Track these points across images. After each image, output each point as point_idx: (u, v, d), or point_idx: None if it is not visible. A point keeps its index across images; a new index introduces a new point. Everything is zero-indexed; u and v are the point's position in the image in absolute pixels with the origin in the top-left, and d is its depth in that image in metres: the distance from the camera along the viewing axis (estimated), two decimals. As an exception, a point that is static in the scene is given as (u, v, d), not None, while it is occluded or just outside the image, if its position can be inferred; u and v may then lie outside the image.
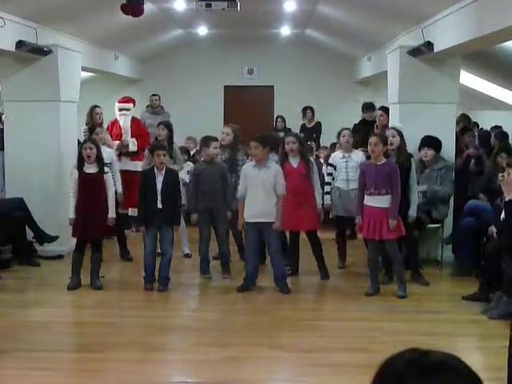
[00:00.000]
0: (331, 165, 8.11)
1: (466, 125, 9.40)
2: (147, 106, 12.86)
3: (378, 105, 9.96)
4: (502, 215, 6.46)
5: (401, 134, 7.46)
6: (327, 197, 7.93)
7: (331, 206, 7.98)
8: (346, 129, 8.11)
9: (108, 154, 8.42)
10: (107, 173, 7.18)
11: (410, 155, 7.57)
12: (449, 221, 8.20)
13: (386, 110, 9.10)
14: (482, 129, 11.72)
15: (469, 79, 11.08)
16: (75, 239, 7.29)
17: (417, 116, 8.22)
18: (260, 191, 6.97)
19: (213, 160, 7.68)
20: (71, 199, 7.09)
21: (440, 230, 8.19)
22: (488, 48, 8.42)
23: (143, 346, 5.49)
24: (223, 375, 4.89)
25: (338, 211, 8.01)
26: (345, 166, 7.91)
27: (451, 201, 8.16)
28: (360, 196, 6.98)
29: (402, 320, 6.22)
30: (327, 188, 7.98)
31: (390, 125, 7.65)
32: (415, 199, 7.32)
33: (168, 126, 8.58)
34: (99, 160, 7.10)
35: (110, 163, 8.31)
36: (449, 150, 8.26)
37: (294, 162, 7.47)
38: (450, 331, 5.84)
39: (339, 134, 8.09)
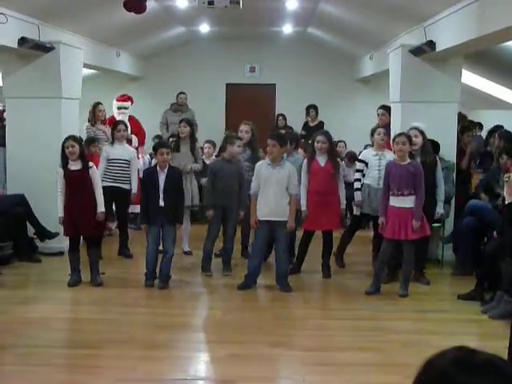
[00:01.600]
0: (362, 161, 7.99)
1: (464, 124, 9.38)
2: (172, 104, 12.87)
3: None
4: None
5: (423, 134, 7.45)
6: (357, 193, 7.83)
7: (362, 202, 7.83)
8: (380, 127, 8.06)
9: (128, 152, 8.47)
10: (91, 167, 7.10)
11: (435, 155, 7.55)
12: (450, 220, 8.20)
13: (387, 108, 9.08)
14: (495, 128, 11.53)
15: (470, 78, 11.07)
16: (68, 239, 7.28)
17: (418, 115, 8.20)
18: (273, 190, 6.95)
19: (232, 158, 7.66)
20: (59, 198, 7.06)
21: (441, 230, 8.19)
22: (490, 47, 8.41)
23: (143, 343, 5.50)
24: (224, 373, 4.90)
25: (364, 209, 7.88)
26: (377, 164, 7.73)
27: (452, 201, 8.16)
28: (384, 196, 6.93)
29: (402, 319, 6.22)
30: (357, 184, 7.86)
31: (412, 124, 7.58)
32: (442, 198, 7.37)
33: (190, 123, 8.54)
34: (83, 156, 7.04)
35: (129, 161, 8.34)
36: (450, 149, 8.25)
37: (322, 160, 7.44)
38: (450, 330, 5.84)
39: (373, 131, 7.99)
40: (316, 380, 4.85)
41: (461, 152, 8.66)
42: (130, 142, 9.48)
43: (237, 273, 7.59)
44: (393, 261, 7.27)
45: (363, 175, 7.87)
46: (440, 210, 7.44)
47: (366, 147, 10.45)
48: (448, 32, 7.40)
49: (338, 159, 7.95)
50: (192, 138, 8.44)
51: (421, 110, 8.26)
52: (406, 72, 8.43)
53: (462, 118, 9.77)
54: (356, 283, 7.43)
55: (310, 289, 7.48)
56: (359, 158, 8.24)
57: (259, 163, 7.21)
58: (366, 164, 7.87)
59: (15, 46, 7.71)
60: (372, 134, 7.99)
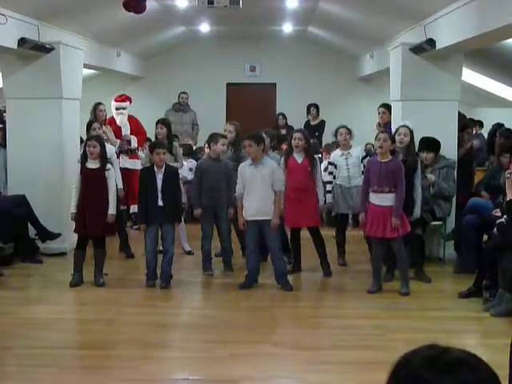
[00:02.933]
0: (332, 163, 8.12)
1: (462, 122, 9.35)
2: (173, 104, 12.90)
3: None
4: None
5: (412, 133, 7.46)
6: (329, 195, 7.93)
7: (333, 204, 7.99)
8: (342, 126, 8.11)
9: (108, 149, 8.43)
10: (109, 170, 7.18)
11: (417, 155, 7.55)
12: (451, 218, 8.19)
13: (387, 107, 9.08)
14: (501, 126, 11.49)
15: (471, 76, 11.07)
16: (76, 235, 7.31)
17: (419, 113, 8.20)
18: (258, 189, 6.99)
19: (218, 157, 7.68)
20: (73, 194, 7.12)
21: (442, 228, 8.19)
22: (490, 45, 8.41)
23: (145, 343, 5.49)
24: (225, 372, 4.89)
25: (340, 208, 8.03)
26: (345, 163, 7.93)
27: (453, 198, 8.16)
28: (364, 192, 6.98)
29: (404, 317, 6.22)
30: (328, 187, 7.98)
31: (402, 122, 7.60)
32: (418, 202, 7.31)
33: (166, 124, 8.56)
34: (102, 157, 7.12)
35: (109, 158, 8.32)
36: (450, 147, 8.24)
37: (299, 157, 7.48)
38: (452, 328, 5.84)
39: (336, 131, 8.10)
40: (318, 379, 4.84)
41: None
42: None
43: (238, 272, 7.59)
44: (389, 260, 7.27)
45: (334, 177, 8.00)
46: (417, 213, 7.19)
47: (366, 146, 10.47)
48: (448, 30, 7.40)
49: (316, 156, 8.05)
50: (169, 138, 8.44)
51: (421, 108, 8.26)
52: (407, 70, 8.42)
53: (461, 117, 9.75)
54: (357, 282, 7.43)
55: (311, 287, 7.48)
56: (329, 160, 8.40)
57: (242, 165, 7.24)
58: (335, 166, 7.98)
59: (15, 46, 7.72)
60: (335, 135, 8.07)
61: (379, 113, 9.22)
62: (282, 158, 7.67)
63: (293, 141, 7.51)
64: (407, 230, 6.87)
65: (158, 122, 8.64)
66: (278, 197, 7.07)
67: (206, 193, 7.58)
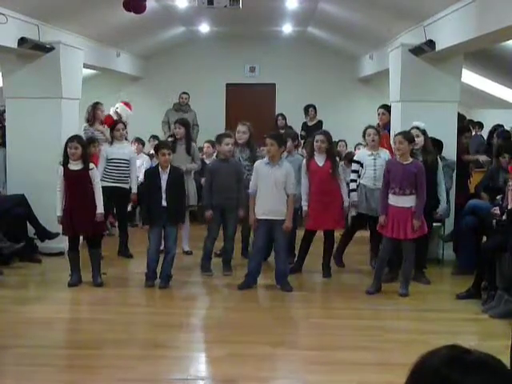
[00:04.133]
0: (357, 162, 7.97)
1: (461, 125, 9.35)
2: (174, 104, 12.92)
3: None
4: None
5: (425, 133, 7.45)
6: (353, 194, 7.79)
7: (358, 202, 7.82)
8: (371, 127, 7.96)
9: (128, 151, 8.48)
10: (92, 169, 7.10)
11: (436, 154, 7.56)
12: (450, 220, 8.20)
13: (387, 108, 9.08)
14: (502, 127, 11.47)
15: (471, 78, 11.08)
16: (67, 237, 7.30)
17: (418, 114, 8.19)
18: (271, 189, 6.96)
19: (228, 158, 7.66)
20: (58, 197, 7.06)
21: (441, 229, 8.19)
22: (490, 46, 8.41)
23: (144, 343, 5.50)
24: (224, 372, 4.90)
25: (361, 209, 7.87)
26: (373, 164, 7.74)
27: (452, 200, 8.16)
28: (384, 194, 6.92)
29: (403, 318, 6.23)
30: (353, 185, 7.84)
31: (413, 124, 7.58)
32: (444, 197, 7.37)
33: (185, 124, 8.52)
34: (85, 157, 7.04)
35: (128, 160, 8.35)
36: (450, 148, 8.24)
37: (320, 160, 7.45)
38: (451, 330, 5.84)
39: (364, 132, 7.97)
40: (316, 379, 4.85)
41: (462, 153, 8.64)
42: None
43: (237, 272, 7.59)
44: (393, 261, 7.27)
45: (359, 176, 7.86)
46: (441, 210, 7.42)
47: (357, 146, 10.45)
48: (448, 31, 7.40)
49: (337, 159, 7.94)
50: (187, 138, 8.44)
51: (421, 109, 8.25)
52: (406, 71, 8.43)
53: (460, 118, 9.74)
54: (356, 282, 7.44)
55: (311, 288, 7.48)
56: (354, 158, 8.23)
57: (257, 162, 7.21)
58: (362, 164, 7.86)
59: (15, 46, 7.72)
60: (363, 136, 8.01)
61: (379, 114, 9.21)
62: (304, 160, 7.60)
63: (315, 143, 7.46)
64: (425, 231, 6.88)
65: (176, 122, 8.62)
66: (291, 200, 7.04)
67: (216, 194, 7.55)
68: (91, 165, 7.13)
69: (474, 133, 11.56)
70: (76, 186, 6.98)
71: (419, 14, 8.21)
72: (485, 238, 7.46)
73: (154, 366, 4.98)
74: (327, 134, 7.65)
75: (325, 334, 5.84)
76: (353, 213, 8.06)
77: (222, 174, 7.55)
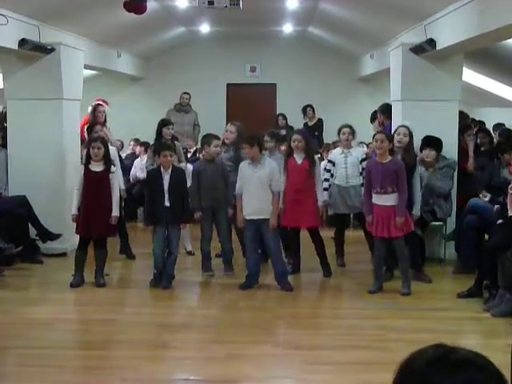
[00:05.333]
0: (330, 161, 8.10)
1: (464, 124, 9.33)
2: (175, 104, 12.92)
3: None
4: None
5: (411, 134, 7.47)
6: (325, 193, 7.88)
7: (329, 203, 7.96)
8: (345, 126, 8.09)
9: (111, 151, 8.43)
10: (113, 172, 7.19)
11: (415, 155, 7.57)
12: (451, 219, 8.19)
13: (384, 110, 9.09)
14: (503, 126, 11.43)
15: (471, 76, 11.07)
16: (78, 236, 7.32)
17: (419, 113, 8.21)
18: (256, 188, 7.03)
19: (213, 158, 7.69)
20: (75, 195, 7.10)
21: (443, 228, 8.19)
22: (491, 45, 8.41)
23: (146, 344, 5.50)
24: (226, 372, 4.90)
25: (338, 208, 8.00)
26: (344, 162, 7.87)
27: (454, 199, 8.15)
28: (367, 194, 6.96)
29: (404, 317, 6.22)
30: (325, 184, 7.92)
31: (402, 122, 7.61)
32: (419, 198, 7.34)
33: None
34: (106, 159, 7.11)
35: (112, 160, 8.32)
36: (451, 147, 8.24)
37: (299, 158, 7.49)
38: (452, 329, 5.84)
39: (339, 130, 8.09)
40: (317, 379, 4.85)
41: (462, 151, 8.61)
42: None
43: (238, 272, 7.60)
44: (389, 260, 7.27)
45: (331, 175, 7.96)
46: (416, 212, 7.28)
47: (359, 144, 10.45)
48: (448, 30, 7.40)
49: (316, 157, 8.07)
50: (172, 138, 8.60)
51: (422, 108, 8.26)
52: (407, 70, 8.43)
53: (464, 117, 9.72)
54: (357, 282, 7.43)
55: (311, 288, 7.48)
56: (328, 158, 8.40)
57: (242, 163, 7.29)
58: (334, 164, 7.97)
59: (16, 47, 7.72)
60: (338, 134, 8.07)
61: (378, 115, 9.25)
62: (283, 159, 7.69)
63: (292, 142, 7.53)
64: (411, 228, 6.89)
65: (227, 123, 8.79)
66: (277, 197, 7.10)
67: (204, 194, 7.58)
68: (113, 168, 7.18)
69: (474, 132, 11.52)
70: (95, 186, 7.02)
71: (420, 13, 8.21)
72: (486, 237, 7.46)
73: (156, 367, 4.99)
74: (304, 133, 7.88)
75: (326, 333, 5.84)
76: (330, 212, 8.18)
77: (208, 175, 7.58)
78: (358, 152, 8.08)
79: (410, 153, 7.43)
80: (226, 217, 7.65)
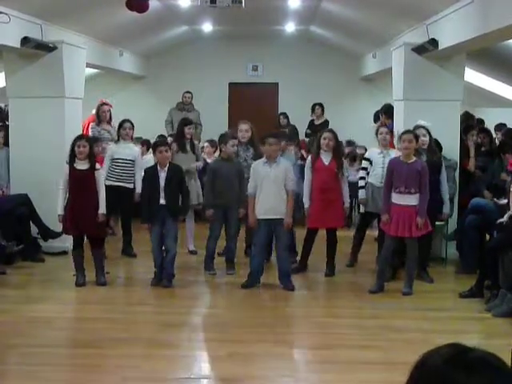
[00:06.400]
0: (367, 159, 8.00)
1: (469, 123, 9.31)
2: (178, 103, 12.94)
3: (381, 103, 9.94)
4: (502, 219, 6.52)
5: (430, 133, 7.46)
6: (361, 191, 7.84)
7: (366, 200, 7.87)
8: (383, 126, 8.06)
9: (133, 151, 8.49)
10: (98, 169, 7.14)
11: (440, 153, 7.58)
12: (453, 219, 8.19)
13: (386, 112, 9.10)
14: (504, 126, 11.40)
15: (473, 76, 11.05)
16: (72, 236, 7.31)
17: (421, 113, 8.19)
18: (271, 188, 6.97)
19: (229, 157, 7.67)
20: (60, 195, 7.07)
21: (445, 228, 8.18)
22: (493, 45, 8.40)
23: (147, 342, 5.50)
24: (227, 371, 4.90)
25: (368, 207, 7.90)
26: (382, 162, 7.72)
27: (456, 199, 8.15)
28: (387, 193, 6.92)
29: (406, 317, 6.22)
30: (361, 182, 7.87)
31: (418, 123, 7.59)
32: (447, 198, 7.40)
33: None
34: (91, 157, 7.07)
35: (133, 161, 8.36)
36: (453, 147, 8.24)
37: (326, 158, 7.45)
38: (454, 329, 5.84)
39: (377, 131, 8.00)
40: (319, 378, 4.85)
41: (465, 152, 8.61)
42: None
43: (240, 271, 7.60)
44: (395, 259, 7.26)
45: (367, 173, 7.88)
46: (446, 210, 7.46)
47: (348, 143, 10.43)
48: (451, 30, 7.40)
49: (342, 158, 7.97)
50: (191, 138, 8.66)
51: (424, 108, 8.25)
52: (409, 70, 8.42)
53: (468, 116, 9.70)
54: (359, 281, 7.44)
55: (314, 287, 7.49)
56: (365, 156, 8.28)
57: (255, 163, 7.24)
58: (371, 162, 7.87)
59: (18, 45, 7.73)
60: (376, 134, 8.01)
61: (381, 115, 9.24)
62: (309, 158, 7.62)
63: (322, 140, 7.46)
64: (429, 229, 6.89)
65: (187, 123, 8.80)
66: (291, 197, 7.04)
67: (218, 193, 7.56)
68: (97, 165, 7.16)
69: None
70: (81, 185, 6.98)
71: (422, 13, 8.20)
72: (488, 237, 7.46)
73: (158, 365, 4.99)
74: (334, 133, 7.67)
75: (328, 332, 5.84)
76: (361, 210, 8.08)
77: (223, 174, 7.55)
78: (396, 154, 7.91)
79: (434, 152, 7.44)
80: (237, 216, 7.63)
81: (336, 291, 7.32)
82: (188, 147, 8.46)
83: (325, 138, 7.44)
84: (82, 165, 7.01)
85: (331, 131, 7.73)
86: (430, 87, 8.33)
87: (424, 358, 1.35)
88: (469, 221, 7.62)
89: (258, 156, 7.83)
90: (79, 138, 7.15)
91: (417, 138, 6.96)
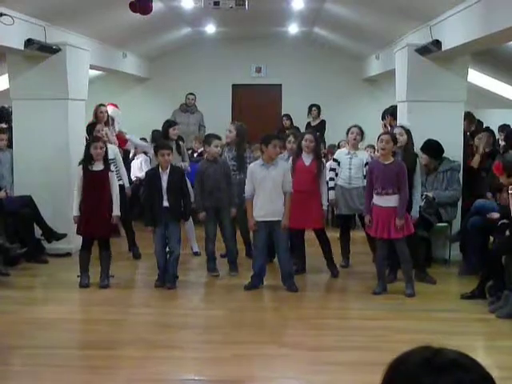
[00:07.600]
0: (335, 160, 8.08)
1: (472, 125, 9.28)
2: (181, 105, 12.97)
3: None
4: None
5: (409, 133, 7.46)
6: (331, 192, 7.86)
7: (336, 201, 7.95)
8: (355, 126, 8.09)
9: (111, 149, 8.44)
10: (112, 171, 7.20)
11: (416, 155, 7.56)
12: (457, 221, 8.18)
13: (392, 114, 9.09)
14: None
15: (477, 77, 11.06)
16: (81, 237, 7.32)
17: (424, 114, 8.20)
18: (269, 190, 6.96)
19: (216, 158, 7.69)
20: (75, 197, 7.10)
21: (448, 229, 8.17)
22: (496, 46, 8.40)
23: (151, 344, 5.50)
24: (230, 373, 4.90)
25: (342, 210, 8.00)
26: (348, 163, 7.85)
27: (459, 201, 8.14)
28: (368, 194, 6.97)
29: (409, 318, 6.21)
30: (331, 183, 7.90)
31: (398, 123, 7.64)
32: (418, 199, 7.31)
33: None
34: (105, 159, 7.13)
35: (114, 159, 8.34)
36: (456, 149, 8.22)
37: (307, 159, 7.47)
38: (457, 330, 5.82)
39: (348, 130, 8.08)
40: (322, 380, 4.85)
41: (468, 150, 8.61)
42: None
43: (243, 273, 7.60)
44: (390, 260, 7.25)
45: (336, 174, 7.94)
46: (415, 214, 7.14)
47: (368, 147, 10.46)
48: (454, 31, 7.39)
49: (323, 159, 8.05)
50: (178, 139, 8.74)
51: (427, 109, 8.25)
52: (413, 71, 8.42)
53: (469, 117, 9.69)
54: (361, 283, 7.43)
55: (316, 289, 7.48)
56: (333, 157, 8.36)
57: (252, 165, 7.21)
58: (339, 163, 7.95)
59: (22, 47, 7.75)
60: (347, 133, 8.06)
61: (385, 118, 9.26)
62: (290, 159, 7.65)
63: (303, 142, 7.49)
64: (411, 230, 6.87)
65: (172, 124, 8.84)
66: (288, 198, 7.05)
67: (208, 194, 7.58)
68: (112, 166, 7.18)
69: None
70: (96, 186, 7.02)
71: (425, 14, 8.20)
72: (491, 239, 7.45)
73: (161, 367, 4.99)
74: (315, 134, 7.83)
75: (330, 334, 5.83)
76: (336, 211, 8.23)
77: (210, 175, 7.58)
78: (364, 155, 8.06)
79: (410, 153, 7.41)
80: (230, 216, 7.66)
81: (339, 292, 7.32)
82: (174, 147, 8.45)
83: (306, 140, 7.49)
84: (96, 166, 7.05)
85: (311, 133, 7.87)
86: (433, 88, 8.32)
87: (396, 362, 1.36)
88: (472, 222, 7.62)
89: (238, 158, 7.88)
90: (96, 139, 7.23)
91: (395, 139, 6.97)
